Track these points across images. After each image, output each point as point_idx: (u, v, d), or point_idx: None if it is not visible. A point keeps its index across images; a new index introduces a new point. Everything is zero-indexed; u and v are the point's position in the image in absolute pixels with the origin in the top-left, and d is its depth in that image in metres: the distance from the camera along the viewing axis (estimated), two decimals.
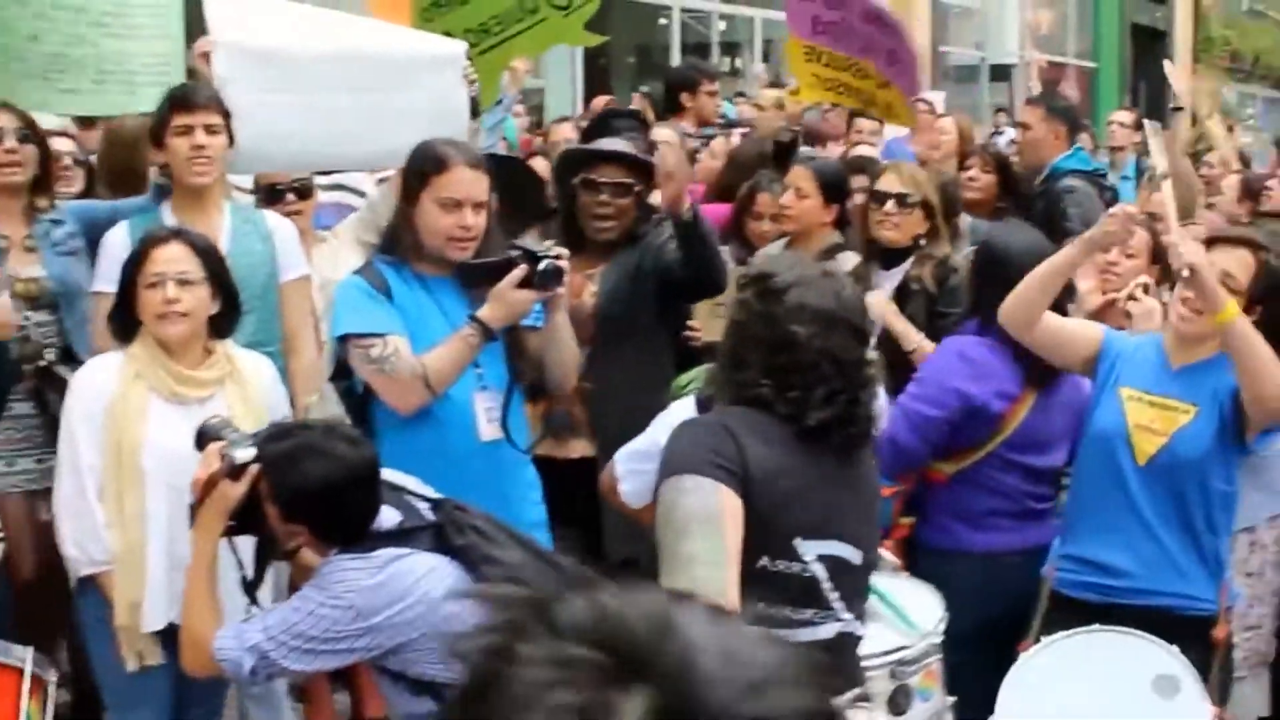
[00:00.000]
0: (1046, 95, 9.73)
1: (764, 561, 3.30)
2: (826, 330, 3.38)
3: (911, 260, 5.75)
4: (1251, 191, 7.93)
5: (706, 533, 3.18)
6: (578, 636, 1.01)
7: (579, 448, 5.15)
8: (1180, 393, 4.44)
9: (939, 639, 4.13)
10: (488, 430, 4.55)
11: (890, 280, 5.76)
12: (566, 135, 7.74)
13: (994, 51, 23.11)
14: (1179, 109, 9.43)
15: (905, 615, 4.12)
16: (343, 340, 4.49)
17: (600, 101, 9.27)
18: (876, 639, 3.87)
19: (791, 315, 3.37)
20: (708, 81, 9.46)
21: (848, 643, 3.49)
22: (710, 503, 3.21)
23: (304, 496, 3.60)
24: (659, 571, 3.21)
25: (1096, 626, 4.30)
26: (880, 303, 5.46)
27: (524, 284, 4.43)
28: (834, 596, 3.42)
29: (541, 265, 4.44)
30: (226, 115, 5.09)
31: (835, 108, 9.28)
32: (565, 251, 4.58)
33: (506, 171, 5.44)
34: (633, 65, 17.17)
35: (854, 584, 3.49)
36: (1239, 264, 4.44)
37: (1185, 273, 4.18)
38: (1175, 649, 4.15)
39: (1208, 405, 4.39)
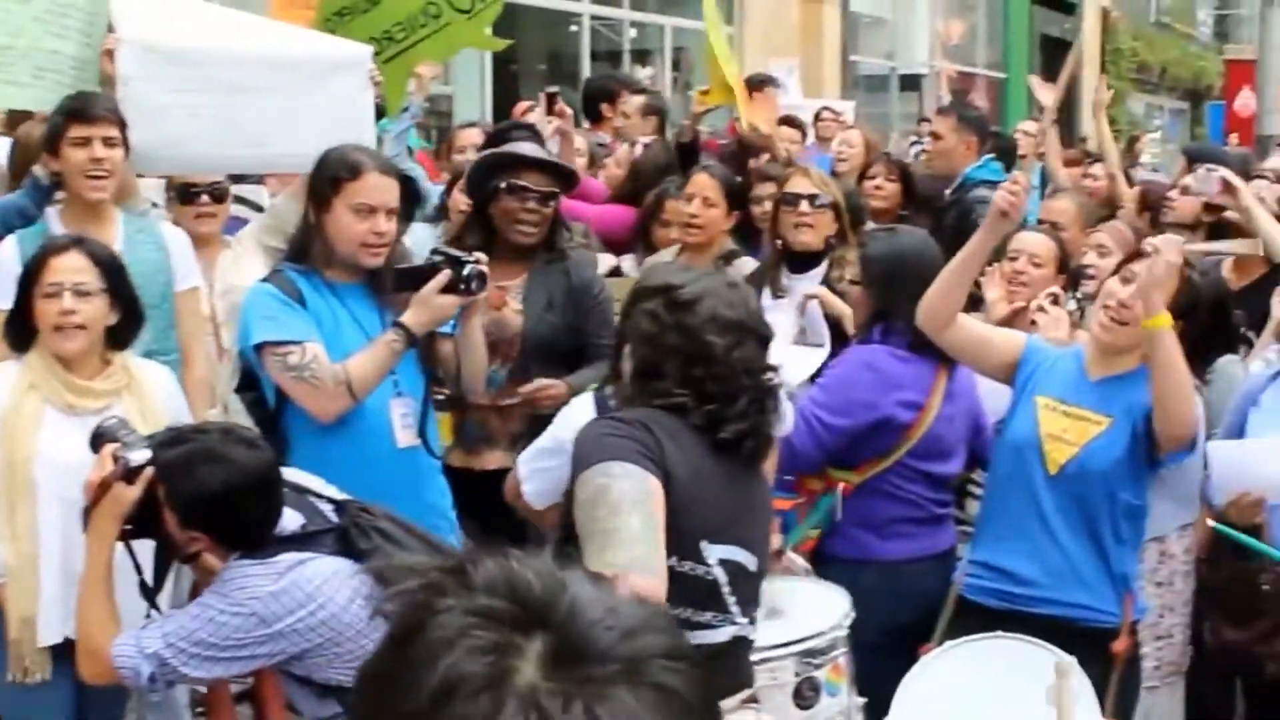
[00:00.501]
0: (958, 105, 9.75)
1: (672, 561, 3.30)
2: (739, 341, 3.41)
3: (828, 264, 5.80)
4: (1151, 204, 7.98)
5: (641, 513, 3.19)
6: (490, 590, 1.21)
7: (495, 459, 5.11)
8: (1095, 404, 4.45)
9: (845, 633, 4.14)
10: (404, 437, 4.54)
11: (803, 284, 5.78)
12: (474, 140, 7.69)
13: (904, 61, 23.20)
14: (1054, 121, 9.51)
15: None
16: (259, 349, 4.41)
17: (522, 107, 9.25)
18: (781, 630, 3.90)
19: (706, 327, 3.39)
20: (627, 92, 9.48)
21: (741, 646, 3.52)
22: (642, 487, 3.22)
23: (202, 503, 3.54)
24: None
25: (996, 633, 4.32)
26: (821, 291, 5.49)
27: (447, 289, 4.43)
28: (731, 600, 3.44)
29: (465, 270, 4.44)
30: (123, 126, 5.03)
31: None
32: (484, 256, 4.58)
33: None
34: (543, 72, 17.11)
35: (749, 589, 3.51)
36: None
37: (1148, 247, 4.13)
38: (1072, 659, 4.17)
39: (1122, 418, 4.40)
